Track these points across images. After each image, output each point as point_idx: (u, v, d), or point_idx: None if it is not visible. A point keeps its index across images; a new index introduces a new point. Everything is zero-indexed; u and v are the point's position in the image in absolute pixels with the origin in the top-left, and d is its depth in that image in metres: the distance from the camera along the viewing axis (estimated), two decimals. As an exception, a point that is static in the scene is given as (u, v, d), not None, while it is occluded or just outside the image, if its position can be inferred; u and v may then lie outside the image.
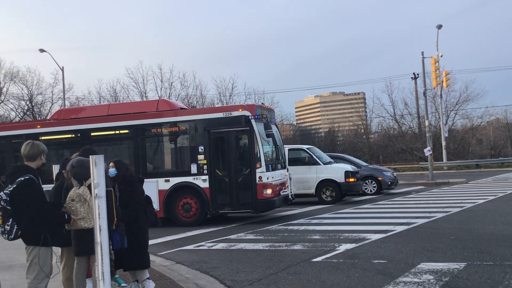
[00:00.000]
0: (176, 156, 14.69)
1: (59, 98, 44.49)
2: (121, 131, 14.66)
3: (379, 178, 21.02)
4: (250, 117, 13.27)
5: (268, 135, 13.78)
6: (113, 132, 14.75)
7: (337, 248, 9.13)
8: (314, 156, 18.53)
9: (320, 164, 18.32)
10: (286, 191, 14.32)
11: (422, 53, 32.16)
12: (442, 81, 31.89)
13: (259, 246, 9.87)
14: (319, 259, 8.32)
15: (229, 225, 13.27)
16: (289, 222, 13.14)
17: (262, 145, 13.31)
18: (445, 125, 43.18)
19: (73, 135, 14.98)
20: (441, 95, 34.76)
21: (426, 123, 29.22)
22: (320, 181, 18.07)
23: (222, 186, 13.47)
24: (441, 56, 32.39)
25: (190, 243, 10.66)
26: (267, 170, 13.26)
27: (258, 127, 13.30)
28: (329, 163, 19.08)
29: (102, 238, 4.38)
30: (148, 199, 6.62)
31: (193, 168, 13.64)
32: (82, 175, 5.50)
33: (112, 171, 6.40)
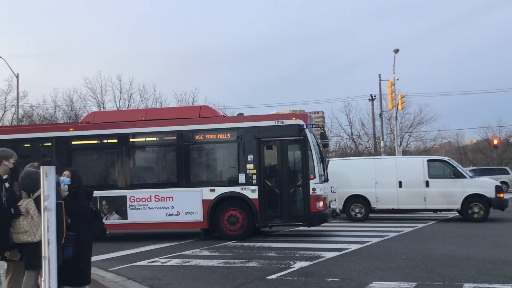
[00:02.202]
0: (222, 164, 13.93)
1: (13, 105, 43.11)
2: (164, 137, 13.95)
3: None
4: (304, 126, 12.85)
5: (324, 145, 13.89)
6: (154, 138, 14.07)
7: (291, 266, 9.15)
8: (459, 169, 16.99)
9: (466, 177, 16.71)
10: (335, 205, 13.99)
11: (379, 75, 33.13)
12: (398, 104, 32.71)
13: (214, 263, 9.77)
14: (273, 276, 8.30)
15: (184, 241, 13.09)
16: (246, 239, 13.07)
17: (315, 156, 12.96)
18: (400, 146, 44.26)
19: (110, 140, 14.09)
20: (396, 117, 35.62)
21: (382, 144, 29.98)
22: (467, 196, 16.41)
23: (272, 197, 12.92)
24: (397, 79, 33.30)
25: (143, 259, 10.44)
26: (320, 181, 12.92)
27: (310, 137, 13.04)
28: (473, 176, 17.94)
29: (50, 253, 4.22)
30: (96, 213, 6.41)
31: (241, 178, 13.03)
32: (30, 186, 5.31)
33: (66, 180, 6.17)
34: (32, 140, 14.28)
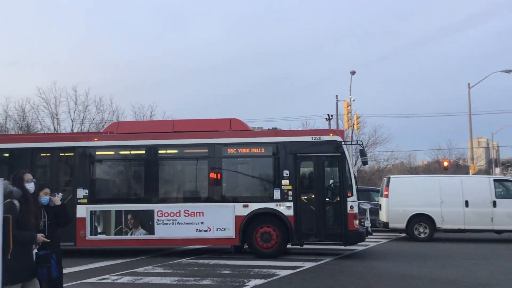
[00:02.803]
0: (256, 179, 13.43)
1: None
2: (195, 150, 13.41)
3: None
4: (342, 143, 12.68)
5: (364, 162, 13.64)
6: (185, 150, 13.51)
7: (246, 284, 9.09)
8: None
9: None
10: (368, 223, 13.53)
11: (336, 96, 33.86)
12: (354, 124, 33.48)
13: (167, 280, 9.58)
14: (227, 295, 8.21)
15: (137, 258, 12.79)
16: (200, 256, 12.92)
17: (353, 173, 12.81)
18: (354, 166, 45.20)
19: (137, 151, 13.56)
20: (352, 137, 36.47)
21: (338, 162, 30.33)
22: None
23: (308, 215, 12.58)
24: (353, 100, 34.12)
25: (93, 276, 10.12)
26: (357, 199, 12.74)
27: (348, 154, 12.85)
28: None
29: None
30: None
31: (276, 194, 12.63)
32: None
33: (45, 199, 5.96)
34: (53, 150, 13.42)
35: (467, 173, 36.82)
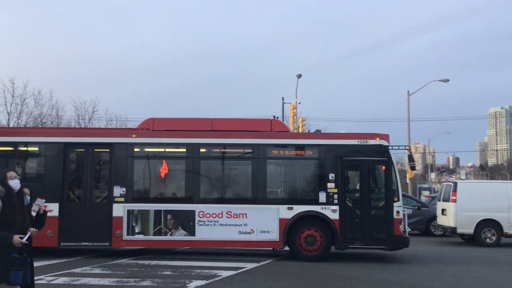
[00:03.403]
0: (301, 182, 13.28)
1: None
2: (238, 150, 13.16)
3: None
4: (388, 147, 12.67)
5: (412, 168, 13.47)
6: (228, 150, 13.14)
7: (187, 285, 9.00)
8: None
9: None
10: (408, 228, 13.15)
11: (283, 98, 34.18)
12: (299, 127, 33.95)
13: (105, 282, 9.33)
14: (168, 296, 8.10)
15: (74, 258, 12.37)
16: (141, 256, 12.68)
17: (399, 178, 12.71)
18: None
19: (178, 149, 13.13)
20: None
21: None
22: None
23: (354, 219, 12.43)
24: (299, 103, 34.60)
25: (27, 276, 9.67)
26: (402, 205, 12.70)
27: (394, 158, 12.76)
28: None
29: None
30: None
31: (322, 197, 12.46)
32: None
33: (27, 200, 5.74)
34: (87, 145, 12.85)
35: (405, 177, 38.20)
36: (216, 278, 9.69)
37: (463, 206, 16.82)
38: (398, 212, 12.36)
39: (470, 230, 16.98)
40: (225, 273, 10.21)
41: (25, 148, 13.10)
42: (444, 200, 17.88)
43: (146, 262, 11.84)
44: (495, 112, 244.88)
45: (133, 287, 8.84)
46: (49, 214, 11.97)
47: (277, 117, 50.69)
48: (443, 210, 17.90)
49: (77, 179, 13.03)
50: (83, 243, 12.40)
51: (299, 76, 35.17)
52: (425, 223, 20.17)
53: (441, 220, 18.06)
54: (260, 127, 13.29)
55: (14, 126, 34.04)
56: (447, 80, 35.49)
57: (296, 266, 11.40)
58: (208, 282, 9.32)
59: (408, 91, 36.46)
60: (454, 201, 17.02)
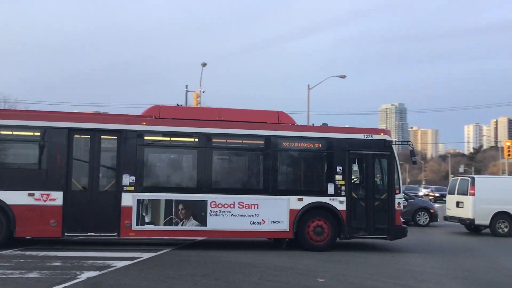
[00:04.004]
0: (311, 173, 13.55)
1: None
2: (250, 141, 13.07)
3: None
4: (391, 142, 13.32)
5: (414, 162, 14.07)
6: (240, 141, 13.07)
7: (78, 276, 8.58)
8: None
9: None
10: (402, 219, 13.58)
11: (186, 86, 33.82)
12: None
13: (-15, 274, 8.62)
14: (56, 288, 7.69)
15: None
16: (28, 247, 11.89)
17: (400, 171, 13.27)
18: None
19: (190, 139, 12.80)
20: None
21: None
22: None
23: (359, 210, 12.92)
24: (203, 91, 34.50)
25: None
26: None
27: (396, 153, 13.35)
28: None
29: None
30: None
31: (330, 188, 12.84)
32: None
33: None
34: (92, 132, 12.24)
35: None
36: (110, 269, 9.35)
37: (481, 199, 18.33)
38: (399, 204, 13.12)
39: (486, 222, 18.56)
40: (120, 263, 9.89)
41: (25, 133, 12.25)
42: (460, 194, 19.40)
43: (34, 253, 11.12)
44: (386, 109, 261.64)
45: (18, 280, 8.25)
46: (52, 203, 11.63)
47: (180, 105, 50.15)
48: (458, 203, 19.44)
49: (83, 166, 12.35)
50: (89, 234, 12.02)
51: (204, 64, 34.98)
52: (411, 213, 21.71)
53: (456, 212, 19.52)
54: (267, 119, 13.35)
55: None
56: (344, 76, 37.21)
57: (194, 255, 11.35)
58: (101, 273, 8.96)
59: (309, 85, 37.70)
60: (473, 194, 18.53)
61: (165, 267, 9.71)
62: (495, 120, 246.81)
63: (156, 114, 12.91)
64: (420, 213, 22.03)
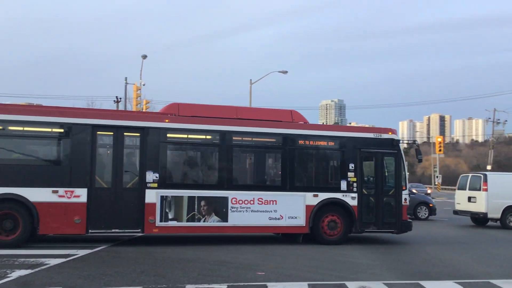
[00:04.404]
0: (325, 170, 14.13)
1: None
2: (269, 139, 13.50)
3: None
4: (399, 141, 14.21)
5: (419, 160, 15.11)
6: (258, 139, 13.43)
7: (9, 275, 8.20)
8: None
9: None
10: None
11: (126, 78, 33.02)
12: (142, 109, 33.15)
13: None
14: (-16, 288, 7.30)
15: None
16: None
17: (406, 169, 14.15)
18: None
19: (211, 136, 13.04)
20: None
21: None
22: None
23: (369, 205, 13.69)
24: (144, 84, 33.83)
25: None
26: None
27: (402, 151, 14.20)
28: None
29: None
30: None
31: (343, 185, 13.47)
32: None
33: None
34: (115, 128, 12.16)
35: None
36: (43, 267, 8.99)
37: (493, 194, 19.80)
38: (405, 199, 14.01)
39: (498, 215, 19.99)
40: (54, 261, 9.53)
41: (49, 129, 11.99)
42: (471, 189, 20.88)
43: (-40, 252, 10.52)
44: (326, 104, 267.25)
45: None
46: (76, 200, 11.62)
47: (120, 99, 49.02)
48: (470, 198, 20.87)
49: (106, 163, 12.33)
50: (113, 230, 11.92)
51: (144, 56, 34.31)
52: (412, 208, 22.63)
53: (467, 207, 21.00)
54: (281, 117, 13.81)
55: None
56: (286, 72, 37.67)
57: (132, 252, 11.14)
58: (33, 271, 8.61)
59: (251, 80, 37.86)
60: (485, 190, 19.99)
61: (102, 264, 9.46)
62: (427, 116, 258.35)
63: (175, 111, 13.01)
64: (420, 207, 23.21)
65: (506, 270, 10.47)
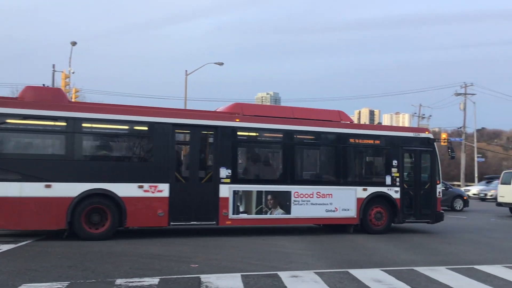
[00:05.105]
0: (372, 166, 15.53)
1: None
2: (324, 137, 14.60)
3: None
4: (434, 140, 15.74)
5: (452, 157, 16.57)
6: (315, 137, 14.51)
7: None
8: None
9: None
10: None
11: (54, 66, 31.57)
12: (72, 98, 31.87)
13: None
14: None
15: None
16: None
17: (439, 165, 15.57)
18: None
19: (276, 135, 14.20)
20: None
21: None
22: None
23: (409, 198, 15.04)
24: (73, 72, 32.56)
25: None
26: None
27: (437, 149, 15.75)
28: None
29: None
30: None
31: (388, 180, 14.81)
32: None
33: None
34: (192, 127, 12.97)
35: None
36: (-39, 264, 8.47)
37: (506, 191, 22.89)
38: (439, 192, 15.51)
39: None
40: (-27, 257, 9.00)
41: (135, 127, 12.59)
42: (503, 184, 23.88)
43: None
44: (262, 97, 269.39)
45: None
46: (159, 194, 12.32)
47: (47, 86, 46.68)
48: (498, 192, 24.32)
49: (184, 159, 13.42)
50: (191, 222, 12.65)
51: (74, 43, 33.01)
52: (450, 200, 25.46)
53: (503, 199, 23.79)
54: (330, 117, 14.93)
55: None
56: (222, 64, 37.51)
57: (60, 246, 10.72)
58: (-50, 268, 8.08)
59: (186, 71, 37.43)
60: None
61: (27, 259, 9.05)
62: (358, 111, 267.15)
63: (240, 111, 13.88)
64: (456, 200, 25.91)
65: (428, 257, 11.05)
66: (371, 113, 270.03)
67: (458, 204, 25.99)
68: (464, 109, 53.27)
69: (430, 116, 65.25)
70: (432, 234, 15.30)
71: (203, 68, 37.26)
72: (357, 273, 8.83)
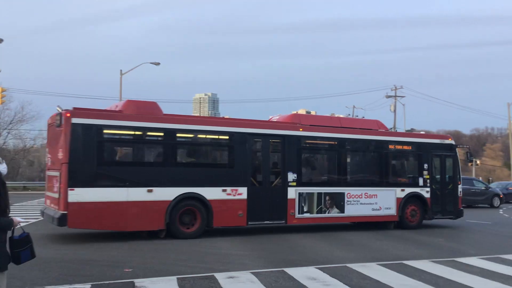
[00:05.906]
0: (407, 169, 17.55)
1: None
2: (369, 143, 16.33)
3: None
4: (456, 146, 18.12)
5: (470, 161, 20.03)
6: (363, 145, 16.28)
7: None
8: None
9: None
10: None
11: (-21, 63, 29.78)
12: (-2, 97, 30.25)
13: None
14: None
15: None
16: None
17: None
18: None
19: (333, 143, 15.74)
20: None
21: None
22: None
23: (437, 197, 17.15)
24: None
25: None
26: None
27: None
28: None
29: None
30: None
31: (420, 181, 16.90)
32: None
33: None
34: (263, 136, 14.54)
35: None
36: None
37: None
38: (460, 192, 17.72)
39: None
40: None
41: (217, 136, 13.98)
42: None
43: None
44: (200, 98, 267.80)
45: None
46: (239, 197, 13.85)
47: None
48: None
49: (258, 165, 14.65)
50: (265, 222, 14.26)
51: (0, 40, 31.29)
52: (490, 199, 30.22)
53: None
54: (369, 125, 16.76)
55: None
56: (158, 63, 36.98)
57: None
58: None
59: (121, 70, 36.61)
60: None
61: None
62: (296, 111, 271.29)
63: (298, 121, 15.50)
64: (494, 198, 30.34)
65: (362, 254, 11.39)
66: (308, 114, 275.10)
67: (496, 201, 30.43)
68: (395, 110, 55.37)
69: (363, 117, 67.37)
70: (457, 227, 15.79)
71: (140, 69, 36.58)
72: (293, 271, 8.95)
